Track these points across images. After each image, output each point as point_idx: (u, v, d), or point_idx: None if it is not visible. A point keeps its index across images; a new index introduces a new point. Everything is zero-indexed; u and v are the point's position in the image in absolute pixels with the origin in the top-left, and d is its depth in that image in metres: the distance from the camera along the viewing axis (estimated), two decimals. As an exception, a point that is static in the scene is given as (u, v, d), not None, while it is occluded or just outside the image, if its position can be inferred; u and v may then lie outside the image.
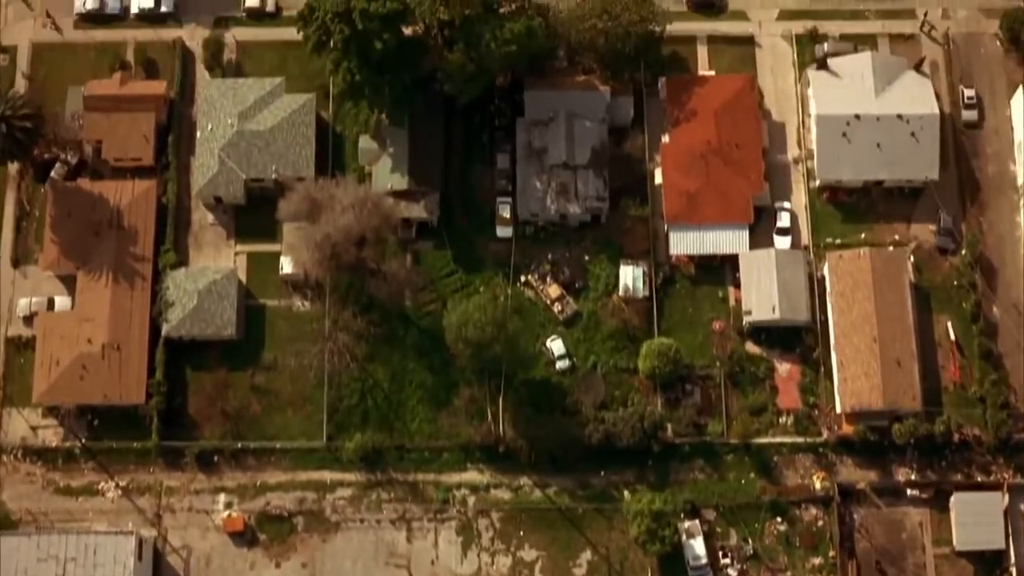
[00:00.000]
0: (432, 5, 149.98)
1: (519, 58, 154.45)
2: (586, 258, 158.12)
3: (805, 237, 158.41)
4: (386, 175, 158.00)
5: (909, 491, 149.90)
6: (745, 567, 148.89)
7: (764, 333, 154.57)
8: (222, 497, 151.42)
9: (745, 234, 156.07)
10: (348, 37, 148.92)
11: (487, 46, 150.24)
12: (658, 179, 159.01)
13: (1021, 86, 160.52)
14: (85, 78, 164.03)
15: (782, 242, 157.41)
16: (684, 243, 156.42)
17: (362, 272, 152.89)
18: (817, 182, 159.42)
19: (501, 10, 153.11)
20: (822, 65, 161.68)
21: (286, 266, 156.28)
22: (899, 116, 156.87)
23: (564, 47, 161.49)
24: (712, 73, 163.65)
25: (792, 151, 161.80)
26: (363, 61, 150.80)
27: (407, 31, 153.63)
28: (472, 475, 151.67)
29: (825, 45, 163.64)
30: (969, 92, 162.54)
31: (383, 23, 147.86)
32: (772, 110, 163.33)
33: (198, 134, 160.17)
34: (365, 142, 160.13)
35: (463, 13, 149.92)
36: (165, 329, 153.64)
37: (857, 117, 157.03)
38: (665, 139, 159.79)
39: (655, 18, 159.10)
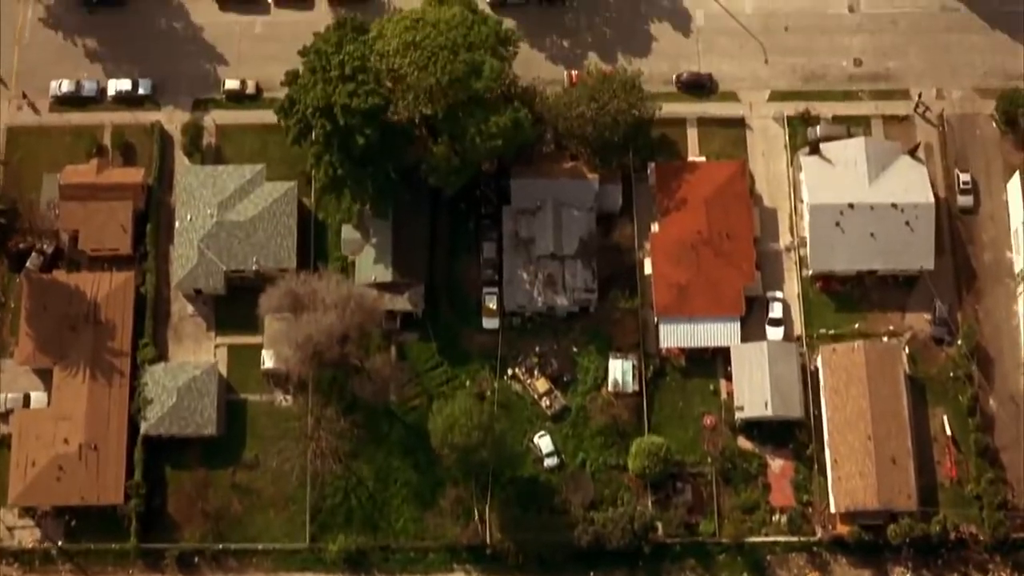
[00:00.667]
0: (415, 100, 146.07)
1: (505, 150, 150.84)
2: (574, 350, 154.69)
3: (798, 327, 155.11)
4: (369, 266, 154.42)
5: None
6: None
7: (756, 428, 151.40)
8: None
9: (736, 326, 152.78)
10: (330, 132, 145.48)
11: (472, 140, 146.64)
12: (648, 269, 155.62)
13: (1018, 171, 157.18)
14: (61, 162, 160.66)
15: (774, 333, 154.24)
16: (675, 336, 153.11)
17: (346, 368, 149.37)
18: (810, 271, 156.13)
19: (487, 96, 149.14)
20: (814, 149, 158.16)
21: (268, 360, 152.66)
22: (893, 205, 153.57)
23: (551, 132, 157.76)
24: (702, 159, 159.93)
25: (784, 238, 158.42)
26: (345, 155, 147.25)
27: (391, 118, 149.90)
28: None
29: (818, 128, 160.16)
30: (964, 176, 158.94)
31: (365, 118, 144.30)
32: (763, 195, 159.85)
33: (177, 224, 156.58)
34: (348, 232, 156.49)
35: (447, 106, 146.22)
36: (144, 427, 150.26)
37: (851, 206, 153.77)
38: (655, 228, 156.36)
39: (643, 104, 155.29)
